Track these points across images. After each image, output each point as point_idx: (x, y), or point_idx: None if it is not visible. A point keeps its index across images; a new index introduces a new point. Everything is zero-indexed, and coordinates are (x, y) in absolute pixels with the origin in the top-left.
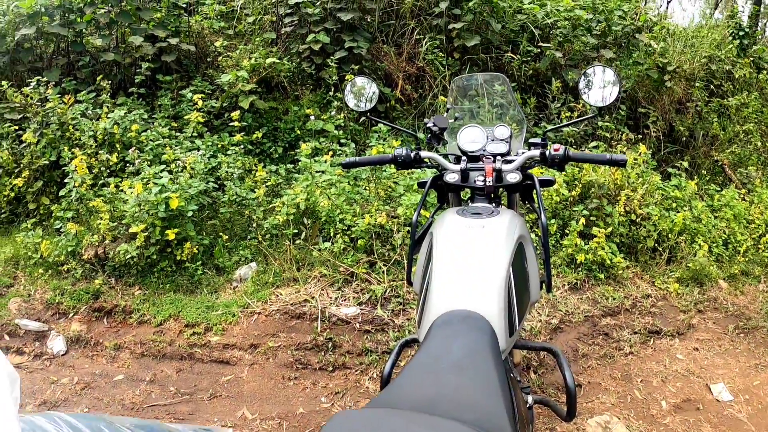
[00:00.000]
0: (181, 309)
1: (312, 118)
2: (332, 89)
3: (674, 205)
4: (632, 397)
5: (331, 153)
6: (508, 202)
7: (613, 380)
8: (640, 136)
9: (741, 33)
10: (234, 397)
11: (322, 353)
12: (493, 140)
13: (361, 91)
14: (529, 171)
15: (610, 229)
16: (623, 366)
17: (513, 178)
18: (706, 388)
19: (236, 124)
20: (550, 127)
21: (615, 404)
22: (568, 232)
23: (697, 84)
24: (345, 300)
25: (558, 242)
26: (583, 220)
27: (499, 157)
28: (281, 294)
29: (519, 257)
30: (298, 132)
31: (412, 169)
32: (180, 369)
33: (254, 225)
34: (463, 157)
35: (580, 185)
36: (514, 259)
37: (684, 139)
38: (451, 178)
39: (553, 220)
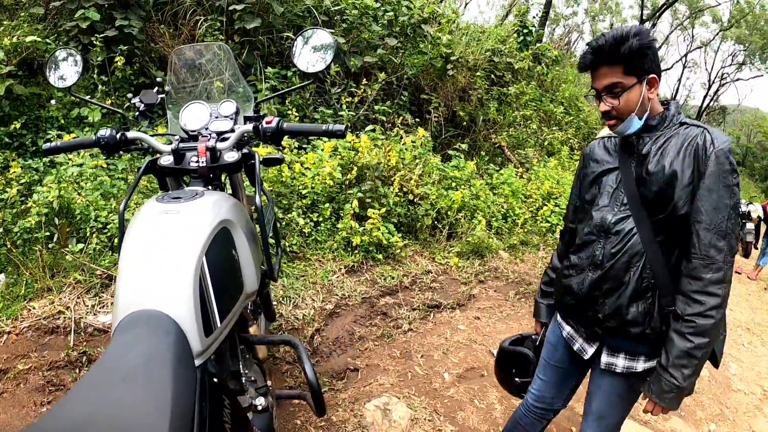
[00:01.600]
0: None
1: (53, 102)
2: (96, 72)
3: (454, 184)
4: (413, 373)
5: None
6: (231, 185)
7: (392, 359)
8: (419, 120)
9: (525, 30)
10: None
11: (77, 370)
12: (217, 117)
13: (66, 65)
14: (253, 149)
15: (384, 209)
16: (402, 344)
17: (231, 157)
18: (489, 354)
19: None
20: (271, 100)
21: (395, 384)
22: (342, 215)
23: (479, 73)
24: (103, 307)
25: (333, 227)
26: (356, 203)
27: (214, 135)
28: (34, 307)
29: (224, 245)
30: (62, 121)
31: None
32: None
33: (1, 230)
34: (177, 137)
35: (357, 168)
36: (217, 247)
37: (465, 123)
38: (165, 160)
39: (328, 204)
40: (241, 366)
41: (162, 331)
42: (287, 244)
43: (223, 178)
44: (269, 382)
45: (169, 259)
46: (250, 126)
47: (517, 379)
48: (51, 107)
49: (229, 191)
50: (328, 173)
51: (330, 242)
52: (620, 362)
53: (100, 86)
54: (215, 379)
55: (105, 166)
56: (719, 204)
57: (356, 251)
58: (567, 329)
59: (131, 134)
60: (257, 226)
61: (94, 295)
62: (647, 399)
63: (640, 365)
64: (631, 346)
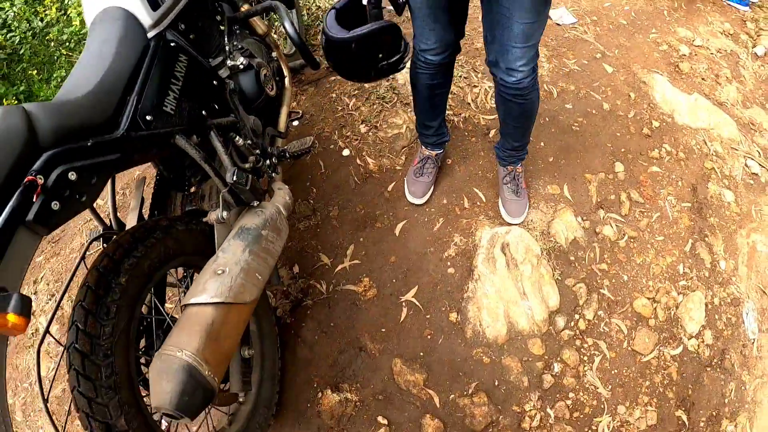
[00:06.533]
0: None
1: None
2: None
3: None
4: None
5: None
6: None
7: None
8: None
9: None
10: None
11: None
12: None
13: None
14: None
15: None
16: None
17: None
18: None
19: None
20: None
21: None
22: None
23: None
24: None
25: None
26: None
27: None
28: None
29: None
30: None
31: None
32: None
33: (54, 43)
34: None
35: None
36: None
37: None
38: None
39: None
40: (225, 40)
41: (112, 19)
42: None
43: None
44: (274, 54)
45: None
46: None
47: (385, 63)
48: None
49: None
50: None
51: None
52: None
53: None
54: (172, 44)
55: None
56: None
57: None
58: None
59: None
60: None
61: None
62: None
63: None
64: None
